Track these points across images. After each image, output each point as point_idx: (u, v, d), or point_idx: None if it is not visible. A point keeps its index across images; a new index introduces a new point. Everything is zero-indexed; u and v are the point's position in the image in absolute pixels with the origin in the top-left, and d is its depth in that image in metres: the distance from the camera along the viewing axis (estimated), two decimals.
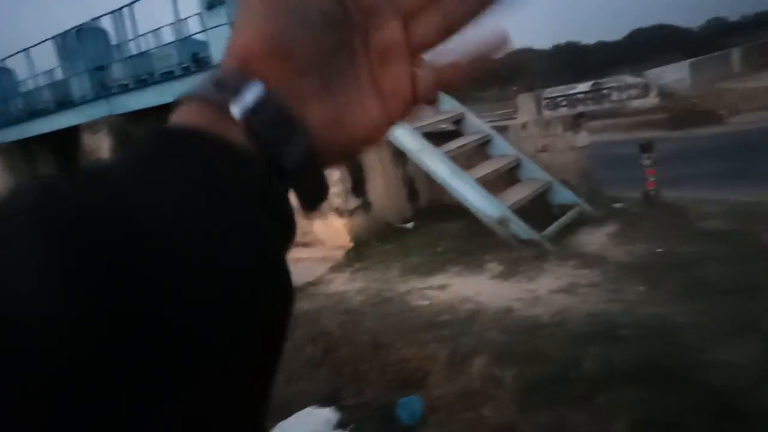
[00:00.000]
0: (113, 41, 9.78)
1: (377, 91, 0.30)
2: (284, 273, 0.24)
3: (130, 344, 0.18)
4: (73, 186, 0.22)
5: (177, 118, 0.27)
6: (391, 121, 0.31)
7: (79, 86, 9.82)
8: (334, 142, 0.29)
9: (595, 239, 5.17)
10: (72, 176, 0.23)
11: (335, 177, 6.23)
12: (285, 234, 0.26)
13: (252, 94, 0.26)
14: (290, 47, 0.28)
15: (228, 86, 0.27)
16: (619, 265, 4.49)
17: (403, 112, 0.31)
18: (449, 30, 0.30)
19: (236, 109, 0.26)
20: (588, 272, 4.47)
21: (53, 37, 10.21)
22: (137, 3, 8.89)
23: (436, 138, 6.05)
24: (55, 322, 0.18)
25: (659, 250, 4.66)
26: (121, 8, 9.15)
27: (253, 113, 0.26)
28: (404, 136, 5.92)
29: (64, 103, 10.21)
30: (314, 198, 0.29)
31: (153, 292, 0.19)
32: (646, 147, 5.89)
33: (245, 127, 0.26)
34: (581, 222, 5.60)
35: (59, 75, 10.63)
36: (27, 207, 0.20)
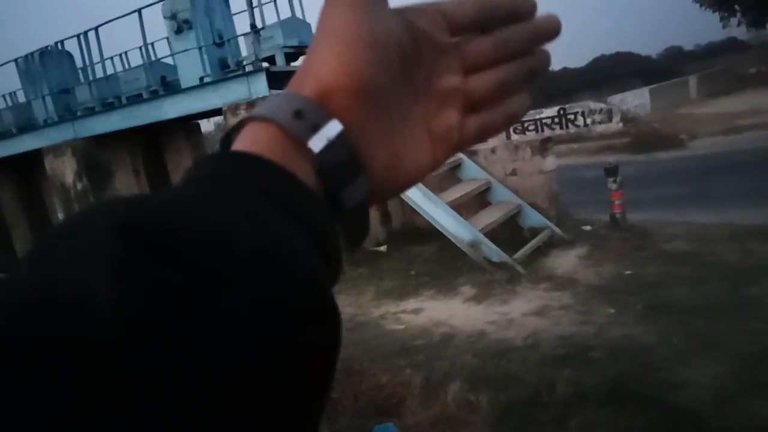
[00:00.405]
0: (79, 64, 9.65)
1: (429, 135, 0.31)
2: (334, 310, 0.24)
3: (186, 353, 0.18)
4: (153, 204, 0.22)
5: (249, 140, 0.26)
6: (436, 166, 0.32)
7: (43, 109, 9.61)
8: (385, 184, 0.30)
9: (565, 262, 5.26)
10: (154, 196, 0.23)
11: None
12: (334, 272, 0.25)
13: (330, 132, 0.26)
14: (371, 86, 0.28)
15: (307, 119, 0.26)
16: (589, 288, 4.56)
17: (447, 157, 0.32)
18: (500, 93, 0.32)
19: (314, 146, 0.26)
20: (559, 295, 4.53)
21: (15, 60, 10.00)
22: (104, 26, 8.80)
23: None
24: (125, 322, 0.18)
25: (627, 272, 4.76)
26: (87, 31, 9.04)
27: (326, 152, 0.26)
28: None
29: (27, 127, 9.97)
30: (360, 237, 0.29)
31: (209, 308, 0.19)
32: (611, 171, 6.05)
33: (316, 165, 0.26)
34: (551, 245, 5.69)
35: (22, 98, 10.40)
36: (110, 216, 0.21)
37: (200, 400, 0.18)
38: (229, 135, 0.28)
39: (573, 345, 3.67)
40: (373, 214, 6.92)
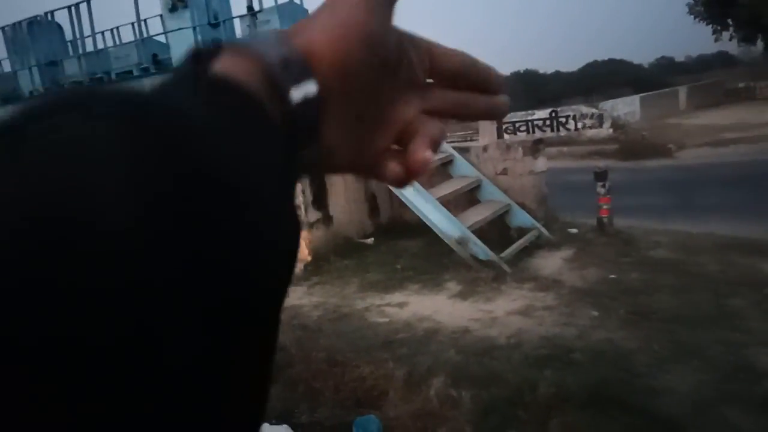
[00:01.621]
0: (69, 37, 9.45)
1: (362, 147, 0.32)
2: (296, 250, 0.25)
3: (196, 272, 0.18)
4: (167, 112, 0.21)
5: (233, 67, 0.26)
6: (358, 173, 0.35)
7: (29, 80, 9.41)
8: (323, 165, 0.31)
9: (550, 263, 5.28)
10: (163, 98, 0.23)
11: (296, 189, 6.15)
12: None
13: (309, 90, 0.27)
14: (352, 74, 0.29)
15: (292, 70, 0.27)
16: (573, 290, 4.59)
17: (369, 176, 0.35)
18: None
19: (294, 97, 0.27)
20: (543, 295, 4.55)
21: (2, 28, 9.76)
22: None
23: None
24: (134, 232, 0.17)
25: (612, 276, 4.80)
26: (78, 3, 8.86)
27: (300, 107, 0.27)
28: None
29: (11, 98, 9.76)
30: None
31: (228, 223, 0.20)
32: (600, 175, 6.08)
33: (286, 114, 0.27)
34: (538, 245, 5.71)
35: (7, 67, 10.16)
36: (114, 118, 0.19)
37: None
38: (200, 54, 0.27)
39: (555, 346, 3.69)
40: (361, 207, 6.89)
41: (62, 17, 9.31)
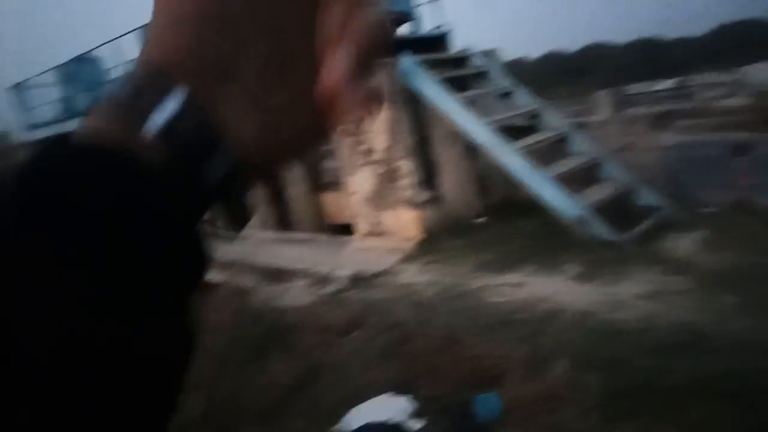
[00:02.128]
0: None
1: (314, 95, 0.26)
2: (188, 315, 0.23)
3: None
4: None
5: (88, 126, 0.24)
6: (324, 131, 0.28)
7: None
8: (268, 148, 0.26)
9: (682, 244, 4.91)
10: None
11: (406, 169, 6.22)
12: (195, 269, 0.23)
13: (172, 103, 0.23)
14: (214, 49, 0.25)
15: (146, 93, 0.24)
16: (708, 273, 4.25)
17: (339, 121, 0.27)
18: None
19: (155, 122, 0.23)
20: (675, 279, 4.26)
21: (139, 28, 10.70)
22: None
23: (512, 132, 5.92)
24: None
25: (753, 259, 4.38)
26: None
27: (172, 126, 0.23)
28: (478, 130, 5.83)
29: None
30: (238, 215, 0.26)
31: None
32: (738, 149, 5.54)
33: (163, 142, 0.23)
34: (667, 226, 5.33)
35: None
36: None
37: None
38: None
39: (690, 332, 3.45)
40: (472, 186, 6.82)
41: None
